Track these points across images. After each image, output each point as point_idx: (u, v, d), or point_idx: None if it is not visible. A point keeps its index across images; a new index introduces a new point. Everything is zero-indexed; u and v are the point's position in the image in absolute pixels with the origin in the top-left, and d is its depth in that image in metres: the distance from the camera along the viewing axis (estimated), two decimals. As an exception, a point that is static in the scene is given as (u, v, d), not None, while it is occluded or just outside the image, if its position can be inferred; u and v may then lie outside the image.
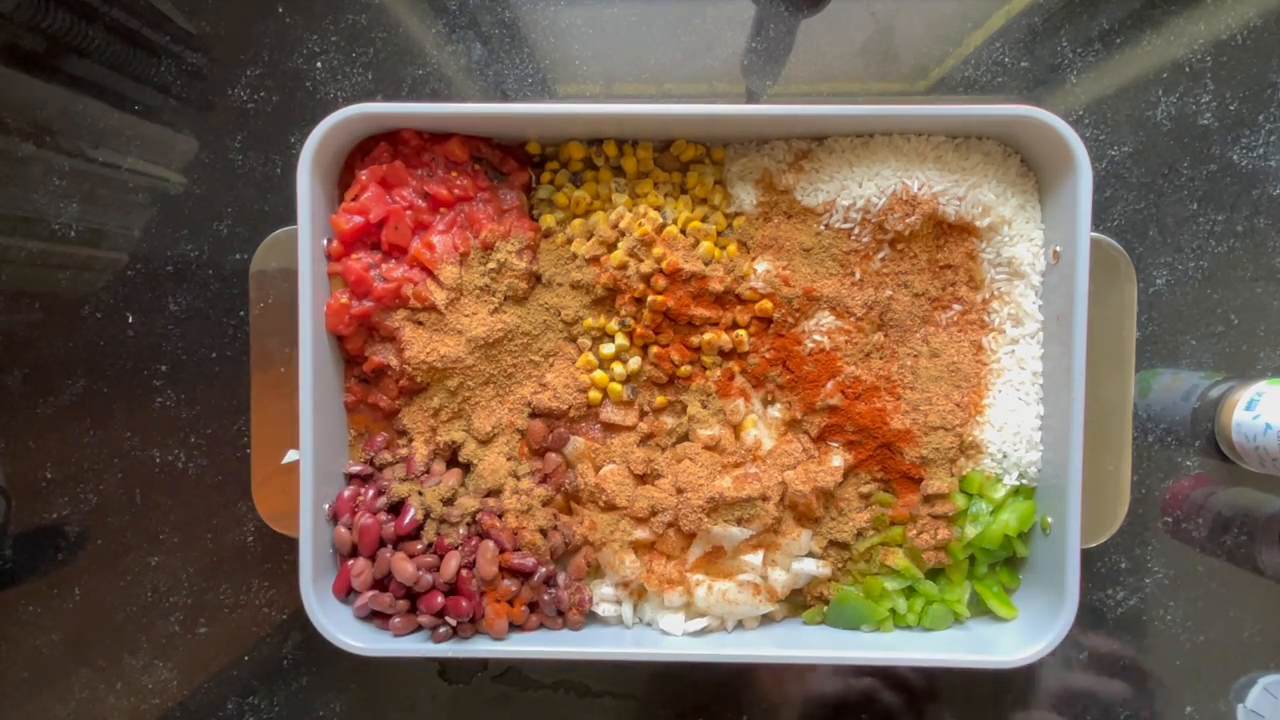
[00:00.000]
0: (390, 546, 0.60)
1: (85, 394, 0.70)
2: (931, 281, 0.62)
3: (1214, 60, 0.68)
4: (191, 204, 0.70)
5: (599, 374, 0.63)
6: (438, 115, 0.60)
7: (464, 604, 0.59)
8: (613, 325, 0.63)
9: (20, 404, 0.70)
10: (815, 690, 0.68)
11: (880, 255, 0.62)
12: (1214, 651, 0.68)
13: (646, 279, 0.61)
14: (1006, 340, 0.62)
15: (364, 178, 0.60)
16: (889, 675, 0.68)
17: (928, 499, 0.62)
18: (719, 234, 0.63)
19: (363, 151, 0.62)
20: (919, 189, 0.60)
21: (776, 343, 0.62)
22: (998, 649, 0.59)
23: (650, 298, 0.61)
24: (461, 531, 0.60)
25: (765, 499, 0.60)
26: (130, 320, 0.70)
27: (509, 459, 0.63)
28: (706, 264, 0.61)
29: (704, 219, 0.63)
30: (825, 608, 0.63)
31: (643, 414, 0.64)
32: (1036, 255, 0.61)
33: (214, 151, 0.70)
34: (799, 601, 0.64)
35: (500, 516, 0.61)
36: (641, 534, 0.61)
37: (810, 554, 0.63)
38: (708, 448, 0.62)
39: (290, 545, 0.61)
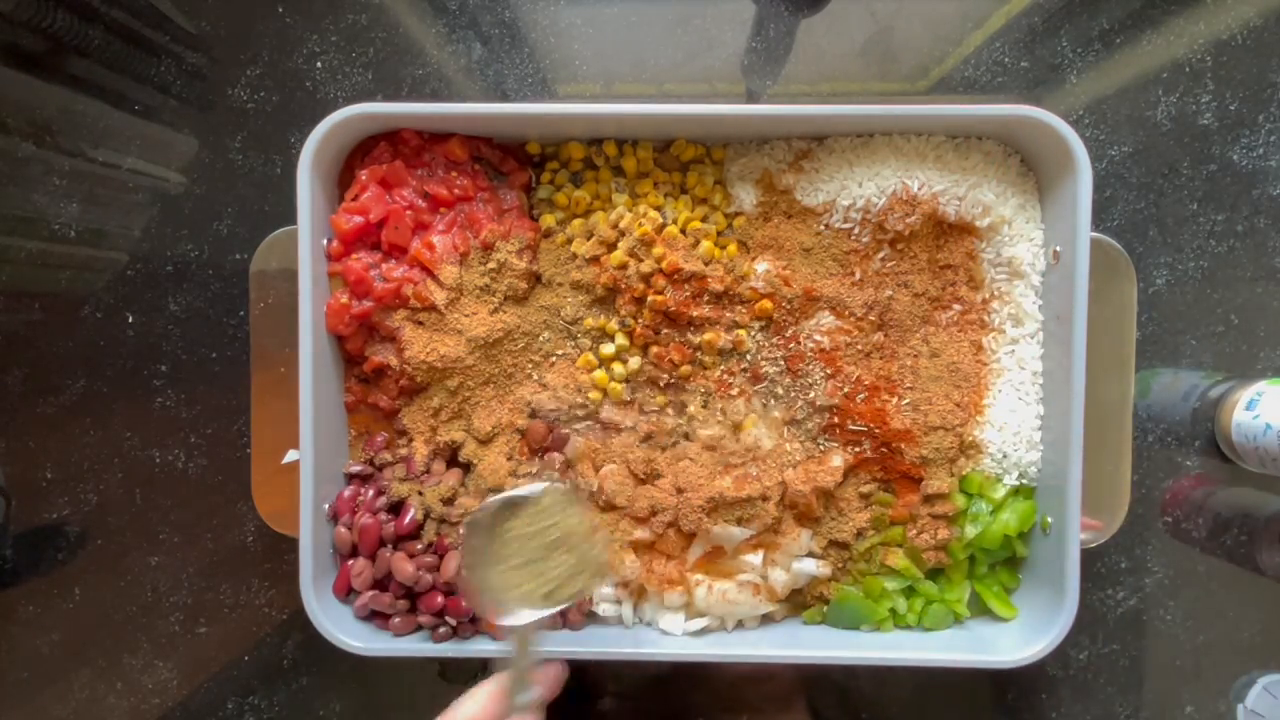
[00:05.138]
0: (390, 546, 0.60)
1: (85, 394, 0.70)
2: (931, 281, 0.62)
3: (1214, 60, 0.68)
4: (191, 204, 0.70)
5: (599, 374, 0.63)
6: (438, 115, 0.60)
7: (464, 604, 0.59)
8: (613, 325, 0.63)
9: (20, 404, 0.70)
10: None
11: (880, 255, 0.62)
12: (1214, 651, 0.68)
13: (646, 279, 0.61)
14: (1006, 340, 0.62)
15: (364, 178, 0.60)
16: None
17: (928, 499, 0.62)
18: (719, 234, 0.63)
19: (363, 151, 0.62)
20: (919, 189, 0.60)
21: (777, 343, 0.62)
22: (998, 649, 0.59)
23: (650, 298, 0.61)
24: (461, 531, 0.60)
25: (765, 499, 0.60)
26: (130, 320, 0.70)
27: (509, 459, 0.62)
28: (706, 264, 0.61)
29: (704, 219, 0.63)
30: (825, 608, 0.63)
31: (643, 414, 0.64)
32: (1036, 255, 0.61)
33: (214, 151, 0.70)
34: (799, 601, 0.64)
35: (500, 516, 0.61)
36: (641, 534, 0.61)
37: (810, 554, 0.63)
38: (708, 448, 0.62)
39: (290, 545, 0.61)
